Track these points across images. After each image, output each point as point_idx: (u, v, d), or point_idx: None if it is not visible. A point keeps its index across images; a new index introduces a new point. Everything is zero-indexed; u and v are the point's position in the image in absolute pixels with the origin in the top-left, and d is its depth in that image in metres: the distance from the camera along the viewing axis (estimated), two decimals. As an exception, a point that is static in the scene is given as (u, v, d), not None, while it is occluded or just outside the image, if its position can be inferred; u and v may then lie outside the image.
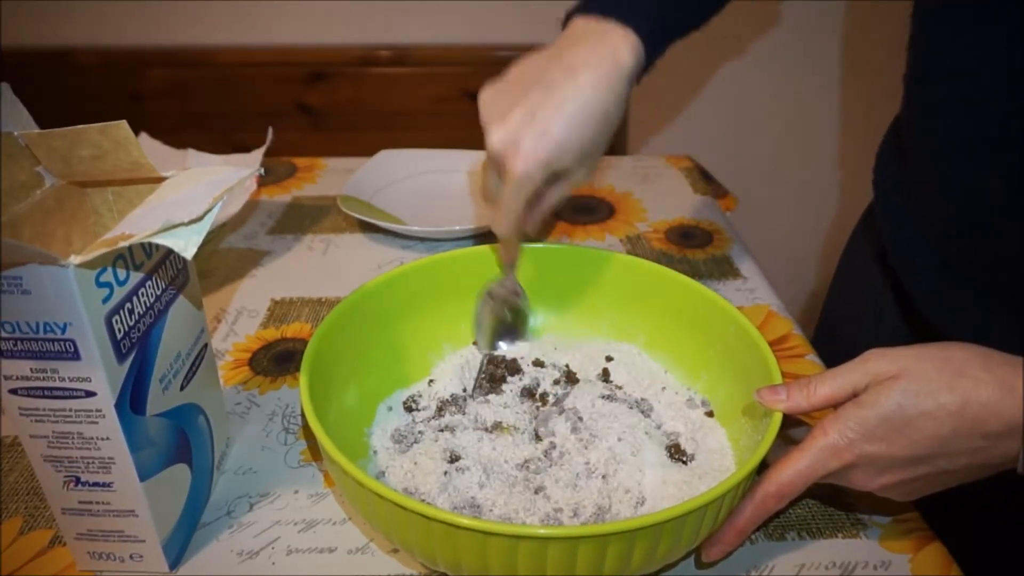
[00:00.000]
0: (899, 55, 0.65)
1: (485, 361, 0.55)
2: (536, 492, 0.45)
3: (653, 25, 0.50)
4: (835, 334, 0.67)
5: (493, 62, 1.35)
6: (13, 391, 0.38)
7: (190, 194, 0.38)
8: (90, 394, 0.37)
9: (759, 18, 1.39)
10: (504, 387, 0.53)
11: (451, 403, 0.52)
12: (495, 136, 0.48)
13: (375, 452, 0.49)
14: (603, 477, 0.45)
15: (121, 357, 0.38)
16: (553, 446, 0.48)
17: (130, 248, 0.38)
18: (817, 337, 0.76)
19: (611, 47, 0.49)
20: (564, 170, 0.49)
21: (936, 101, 0.50)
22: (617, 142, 1.45)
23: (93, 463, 0.39)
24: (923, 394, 0.39)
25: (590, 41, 0.49)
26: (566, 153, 0.47)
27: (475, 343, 0.58)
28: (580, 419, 0.50)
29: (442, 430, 0.50)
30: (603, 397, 0.52)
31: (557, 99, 0.47)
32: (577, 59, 0.48)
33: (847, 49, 1.40)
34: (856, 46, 1.40)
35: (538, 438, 0.49)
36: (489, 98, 0.50)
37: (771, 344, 0.47)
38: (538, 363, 0.56)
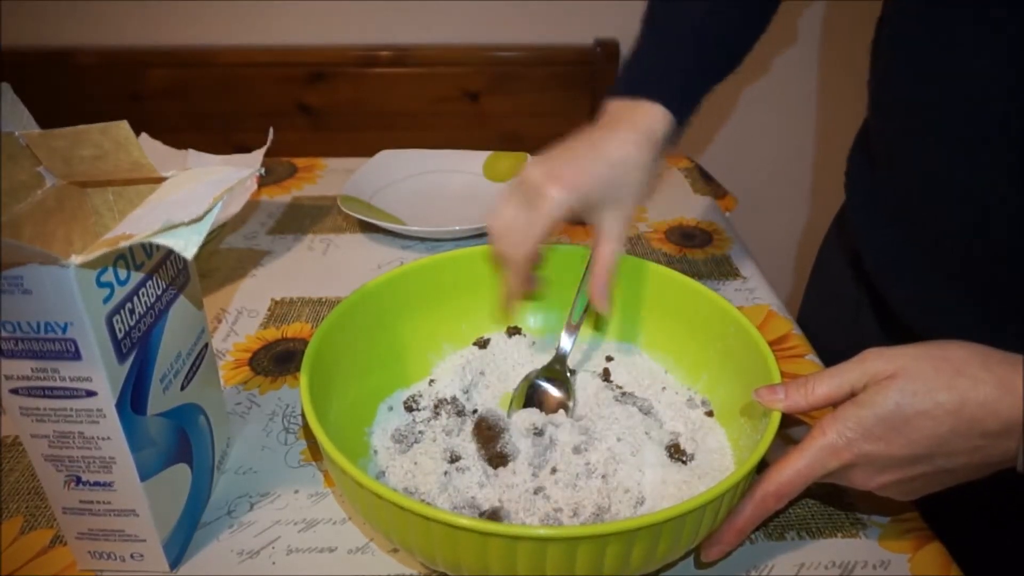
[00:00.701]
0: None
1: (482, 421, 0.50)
2: (536, 492, 0.45)
3: (681, 95, 0.56)
4: (812, 339, 0.67)
5: (493, 62, 1.36)
6: (14, 391, 0.38)
7: (190, 194, 0.38)
8: (91, 394, 0.37)
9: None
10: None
11: (448, 403, 0.52)
12: (535, 167, 0.50)
13: (375, 452, 0.49)
14: (603, 477, 0.45)
15: (122, 357, 0.38)
16: (553, 442, 0.48)
17: (131, 248, 0.38)
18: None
19: (645, 116, 0.54)
20: (599, 208, 0.51)
21: (928, 103, 0.50)
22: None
23: (94, 463, 0.40)
24: (921, 393, 0.39)
25: (626, 112, 0.54)
26: (602, 189, 0.50)
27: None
28: (579, 420, 0.50)
29: (446, 433, 0.50)
30: (603, 397, 0.52)
31: (599, 148, 0.51)
32: (616, 123, 0.53)
33: (848, 49, 1.40)
34: (857, 46, 1.40)
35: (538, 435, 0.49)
36: (534, 160, 0.53)
37: (771, 344, 0.48)
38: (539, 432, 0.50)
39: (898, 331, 0.57)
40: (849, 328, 0.68)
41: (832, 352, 0.61)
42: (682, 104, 0.56)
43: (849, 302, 0.68)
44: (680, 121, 0.56)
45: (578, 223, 0.83)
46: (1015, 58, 0.44)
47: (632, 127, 0.52)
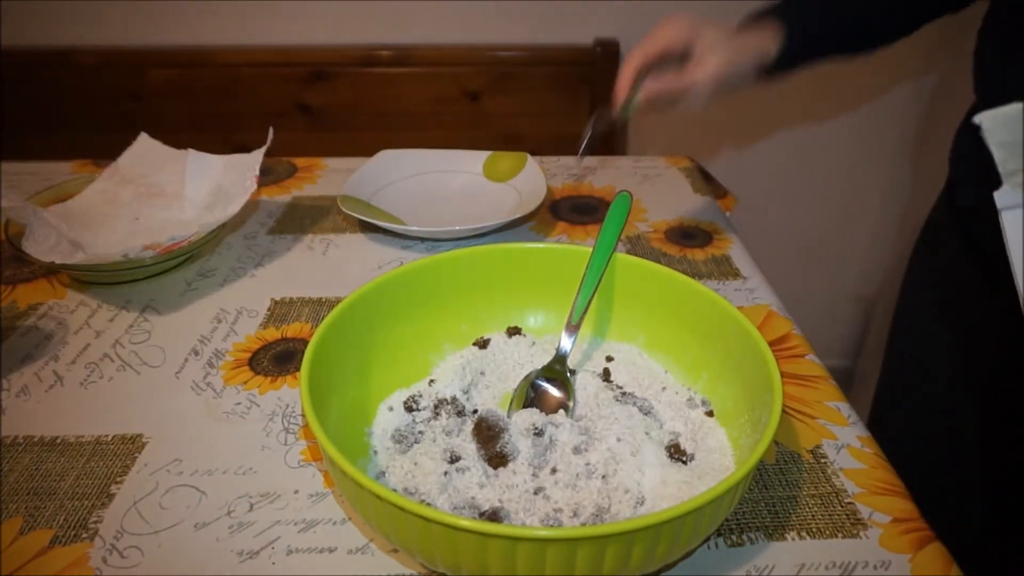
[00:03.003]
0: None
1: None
2: (536, 492, 0.45)
3: (803, 31, 0.65)
4: (907, 335, 0.67)
5: (493, 62, 1.36)
6: None
7: None
8: None
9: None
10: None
11: (448, 403, 0.52)
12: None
13: (375, 452, 0.49)
14: (603, 477, 0.45)
15: None
16: (553, 442, 0.48)
17: None
18: (892, 344, 0.76)
19: (763, 33, 0.65)
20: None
21: None
22: (617, 142, 1.45)
23: None
24: None
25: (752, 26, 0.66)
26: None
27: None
28: (579, 420, 0.50)
29: (446, 434, 0.50)
30: (603, 397, 0.52)
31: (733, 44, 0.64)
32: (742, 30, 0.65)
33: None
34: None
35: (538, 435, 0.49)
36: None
37: (771, 344, 0.48)
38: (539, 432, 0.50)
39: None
40: (964, 311, 0.68)
41: (944, 334, 0.60)
42: (801, 40, 0.65)
43: (969, 295, 0.67)
44: (788, 58, 0.65)
45: (578, 223, 0.83)
46: None
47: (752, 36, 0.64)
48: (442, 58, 1.36)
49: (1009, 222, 0.38)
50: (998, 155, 0.38)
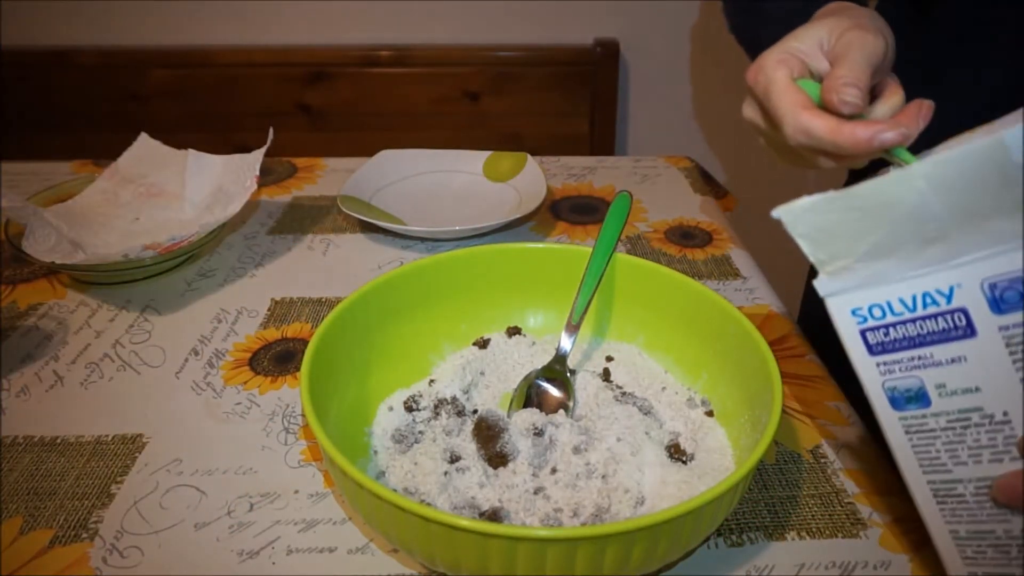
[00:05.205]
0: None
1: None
2: (536, 492, 0.45)
3: None
4: (813, 337, 0.67)
5: (493, 62, 1.36)
6: None
7: None
8: None
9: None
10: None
11: (448, 403, 0.52)
12: None
13: (375, 452, 0.49)
14: (603, 477, 0.45)
15: None
16: (553, 442, 0.48)
17: None
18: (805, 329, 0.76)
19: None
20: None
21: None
22: (617, 142, 1.45)
23: None
24: None
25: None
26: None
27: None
28: (579, 420, 0.50)
29: (446, 434, 0.50)
30: (603, 397, 0.52)
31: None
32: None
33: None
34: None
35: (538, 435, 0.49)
36: None
37: (771, 344, 0.48)
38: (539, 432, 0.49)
39: None
40: None
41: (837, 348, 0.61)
42: None
43: None
44: None
45: (578, 223, 0.83)
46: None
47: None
48: (442, 58, 1.36)
49: (835, 308, 0.38)
50: (805, 247, 0.37)
